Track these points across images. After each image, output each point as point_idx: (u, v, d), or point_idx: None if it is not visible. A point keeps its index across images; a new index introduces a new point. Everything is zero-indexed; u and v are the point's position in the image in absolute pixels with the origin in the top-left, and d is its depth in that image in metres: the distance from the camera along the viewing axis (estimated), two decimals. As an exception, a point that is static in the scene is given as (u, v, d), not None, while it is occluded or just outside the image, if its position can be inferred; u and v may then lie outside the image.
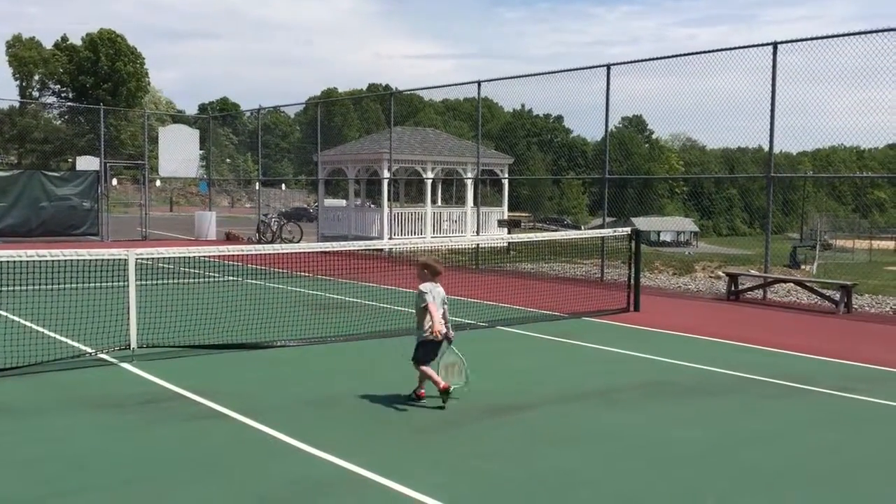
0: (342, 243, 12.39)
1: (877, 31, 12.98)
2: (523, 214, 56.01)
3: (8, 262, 8.46)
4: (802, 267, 38.58)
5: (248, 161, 74.29)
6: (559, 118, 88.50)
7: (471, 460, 5.69)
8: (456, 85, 22.79)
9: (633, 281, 12.97)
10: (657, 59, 16.37)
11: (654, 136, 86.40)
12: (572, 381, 8.26)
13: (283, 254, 11.75)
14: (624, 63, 16.94)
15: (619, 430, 6.55)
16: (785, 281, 15.75)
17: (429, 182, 26.39)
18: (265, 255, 12.18)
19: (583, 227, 54.95)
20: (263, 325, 10.33)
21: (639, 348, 9.91)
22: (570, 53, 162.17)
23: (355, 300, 13.39)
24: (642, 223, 65.13)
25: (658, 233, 66.40)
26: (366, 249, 14.75)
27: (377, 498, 4.97)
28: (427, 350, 7.08)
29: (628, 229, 13.39)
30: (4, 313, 11.23)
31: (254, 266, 16.67)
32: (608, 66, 16.81)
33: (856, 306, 13.79)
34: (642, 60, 16.65)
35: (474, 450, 5.93)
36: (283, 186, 78.65)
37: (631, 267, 13.09)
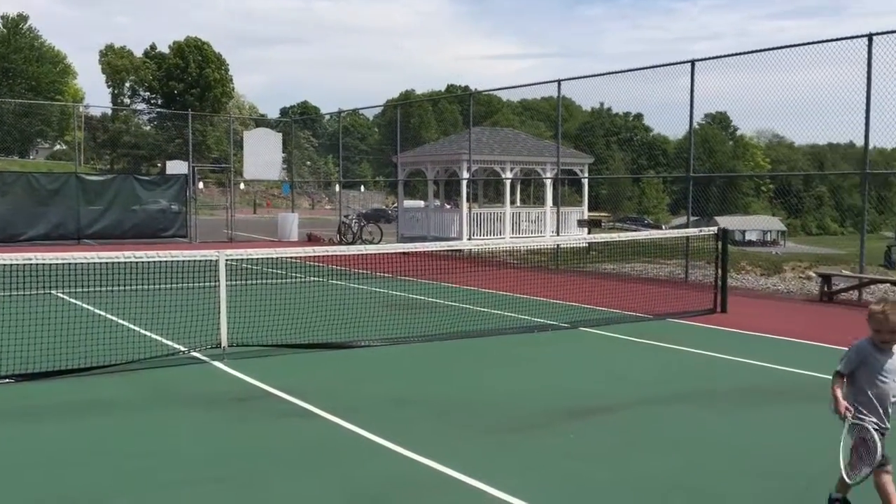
0: (423, 244, 12.49)
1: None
2: (603, 214, 55.27)
3: (106, 263, 8.80)
4: (898, 267, 37.00)
5: (329, 163, 75.55)
6: (639, 116, 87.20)
7: (559, 462, 5.64)
8: (536, 84, 22.89)
9: (719, 281, 12.65)
10: (744, 53, 15.96)
11: (738, 133, 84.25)
12: (659, 383, 8.09)
13: (365, 255, 11.89)
14: (709, 59, 16.56)
15: (711, 434, 6.39)
16: (882, 282, 15.11)
17: (507, 182, 26.33)
18: (348, 256, 12.36)
19: (664, 227, 53.93)
20: (347, 325, 10.47)
21: (728, 351, 9.65)
22: (650, 51, 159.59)
23: (436, 300, 13.45)
24: (726, 222, 63.51)
25: (743, 232, 64.64)
26: (446, 250, 14.79)
27: (467, 499, 4.96)
28: (863, 446, 4.38)
29: (714, 228, 13.07)
30: (102, 313, 11.69)
31: (336, 267, 16.93)
32: (692, 62, 16.46)
33: (959, 308, 13.13)
34: (728, 56, 16.25)
35: (563, 451, 5.87)
36: (362, 188, 79.71)
37: (718, 267, 12.77)
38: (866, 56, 13.54)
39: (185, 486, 5.13)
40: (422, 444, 5.90)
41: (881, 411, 4.43)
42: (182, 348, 9.11)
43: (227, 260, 9.06)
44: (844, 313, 13.17)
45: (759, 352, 9.68)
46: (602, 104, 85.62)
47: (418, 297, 13.90)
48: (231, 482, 5.20)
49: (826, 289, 14.38)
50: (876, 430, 4.36)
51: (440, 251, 16.11)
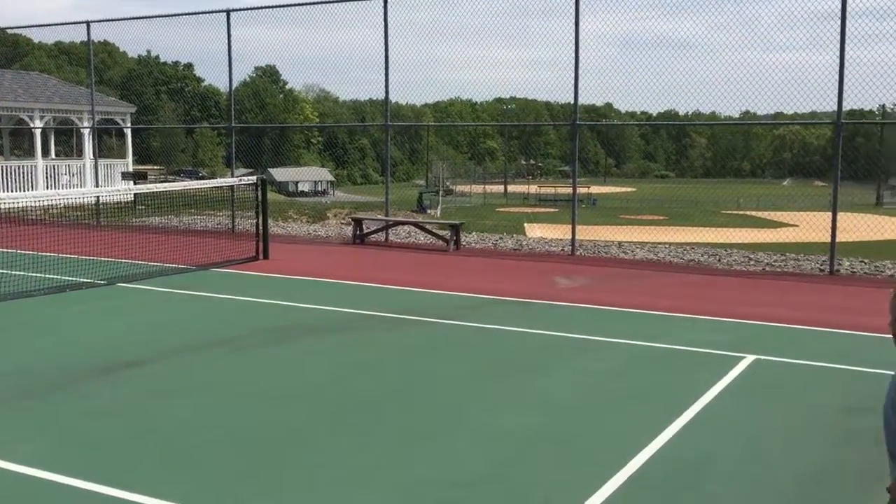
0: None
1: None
2: (155, 167, 53.07)
3: None
4: (429, 211, 41.81)
5: None
6: (189, 66, 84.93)
7: (78, 422, 5.42)
8: (64, 24, 20.80)
9: (260, 229, 13.06)
10: (274, 7, 16.38)
11: (288, 87, 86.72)
12: (195, 332, 8.16)
13: None
14: (244, 9, 16.68)
15: (236, 376, 6.65)
16: (404, 223, 16.94)
17: (38, 132, 23.87)
18: None
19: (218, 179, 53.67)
20: None
21: (265, 295, 10.06)
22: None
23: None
24: (280, 174, 65.47)
25: (297, 183, 67.28)
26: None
27: (-37, 475, 4.53)
28: None
29: (254, 178, 13.39)
30: None
31: None
32: (228, 12, 16.44)
33: (464, 243, 15.30)
34: (260, 8, 16.54)
35: (83, 411, 5.64)
36: None
37: (258, 215, 13.15)
38: (382, 16, 14.79)
39: None
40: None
41: None
42: None
43: None
44: (372, 253, 14.54)
45: (294, 293, 10.27)
46: (149, 52, 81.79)
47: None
48: None
49: (358, 232, 15.69)
50: None
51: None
